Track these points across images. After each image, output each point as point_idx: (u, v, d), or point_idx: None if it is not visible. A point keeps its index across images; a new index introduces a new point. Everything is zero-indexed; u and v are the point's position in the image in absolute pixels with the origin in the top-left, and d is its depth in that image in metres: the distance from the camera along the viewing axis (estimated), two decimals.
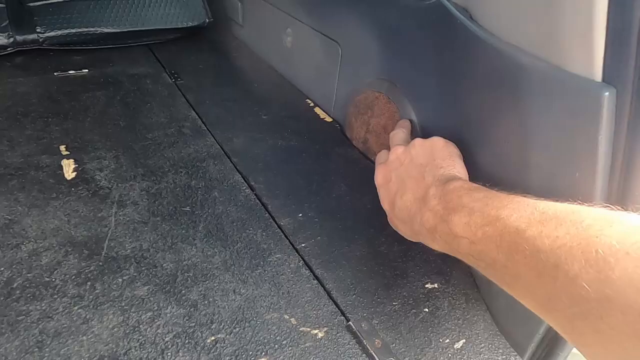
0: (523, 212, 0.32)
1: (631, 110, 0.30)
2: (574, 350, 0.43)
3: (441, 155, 0.46)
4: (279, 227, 0.57)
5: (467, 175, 0.45)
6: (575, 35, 0.32)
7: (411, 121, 0.62)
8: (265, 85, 0.95)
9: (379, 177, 0.52)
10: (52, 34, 0.94)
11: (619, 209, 0.29)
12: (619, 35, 0.29)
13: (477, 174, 0.47)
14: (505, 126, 0.42)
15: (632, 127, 0.31)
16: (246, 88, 0.92)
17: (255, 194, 0.63)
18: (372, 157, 0.73)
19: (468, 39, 0.45)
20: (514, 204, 0.33)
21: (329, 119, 0.83)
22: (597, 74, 0.31)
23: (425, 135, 0.61)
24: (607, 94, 0.31)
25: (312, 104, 0.88)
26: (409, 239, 0.48)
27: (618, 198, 0.34)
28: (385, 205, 0.50)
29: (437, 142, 0.48)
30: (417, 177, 0.45)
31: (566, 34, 0.33)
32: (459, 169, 0.45)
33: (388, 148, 0.69)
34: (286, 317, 0.46)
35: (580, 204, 0.31)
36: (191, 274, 0.49)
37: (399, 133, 0.58)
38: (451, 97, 0.54)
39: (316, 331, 0.45)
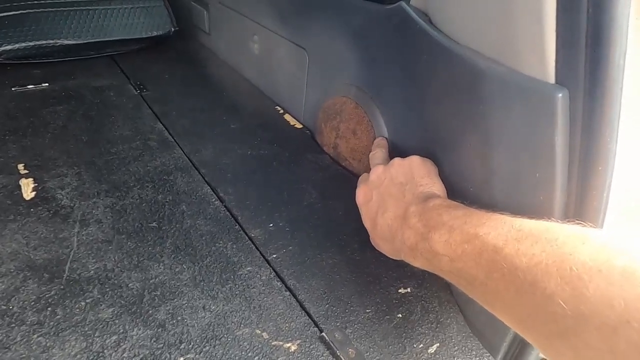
0: (500, 229, 0.32)
1: (584, 109, 0.31)
2: None
3: (420, 174, 0.47)
4: (250, 238, 0.56)
5: (445, 192, 0.46)
6: (528, 38, 0.33)
7: (375, 126, 0.62)
8: (233, 93, 0.94)
9: (360, 196, 0.52)
10: (8, 47, 0.91)
11: (590, 226, 0.30)
12: (568, 38, 0.30)
13: (443, 177, 0.48)
14: (467, 130, 0.42)
15: (585, 125, 0.31)
16: (214, 97, 0.91)
17: (225, 206, 0.61)
18: (342, 162, 0.73)
19: (427, 44, 0.45)
20: (491, 221, 0.34)
21: (299, 126, 0.83)
22: (550, 76, 0.32)
23: (393, 139, 0.61)
24: (560, 95, 0.31)
25: (281, 111, 0.87)
26: (390, 256, 0.48)
27: (577, 196, 0.34)
28: (367, 223, 0.51)
29: (415, 160, 0.49)
30: (397, 196, 0.46)
31: (520, 37, 0.33)
32: (437, 186, 0.46)
33: (358, 152, 0.70)
34: (258, 332, 0.45)
35: (554, 220, 0.32)
36: (158, 293, 0.48)
37: (378, 152, 0.58)
38: (415, 101, 0.54)
39: (289, 345, 0.44)
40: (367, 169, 0.66)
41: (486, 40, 0.37)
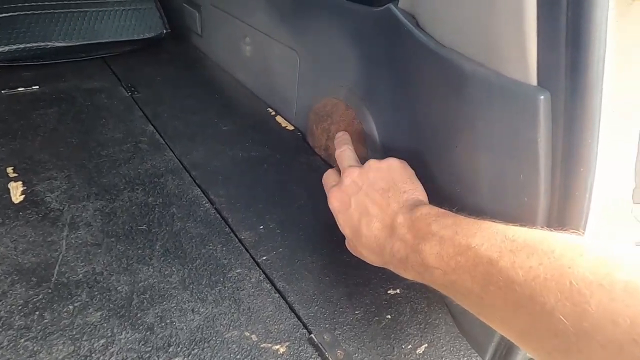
0: (493, 240, 0.31)
1: (565, 111, 0.31)
2: None
3: (401, 178, 0.45)
4: (240, 241, 0.56)
5: (426, 195, 0.45)
6: (511, 42, 0.33)
7: (366, 128, 0.62)
8: (225, 95, 0.94)
9: (334, 203, 0.49)
10: None
11: (573, 231, 0.30)
12: (548, 42, 0.30)
13: (432, 178, 0.48)
14: (454, 132, 0.43)
15: (567, 127, 0.32)
16: (206, 99, 0.91)
17: (215, 208, 0.61)
18: (333, 163, 0.73)
19: (414, 46, 0.46)
20: (482, 231, 0.33)
21: (290, 128, 0.83)
22: (533, 79, 0.32)
23: (384, 140, 0.62)
24: (542, 97, 0.31)
25: (273, 113, 0.87)
26: (377, 265, 0.46)
27: (561, 196, 0.35)
28: (345, 231, 0.48)
29: (394, 163, 0.47)
30: (381, 204, 0.44)
31: (503, 41, 0.34)
32: (420, 190, 0.45)
33: None
34: (247, 334, 0.45)
35: (545, 228, 0.31)
36: (147, 296, 0.48)
37: (346, 151, 0.55)
38: (404, 103, 0.54)
39: (277, 347, 0.44)
40: None
41: (471, 43, 0.37)
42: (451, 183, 0.46)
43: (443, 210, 0.39)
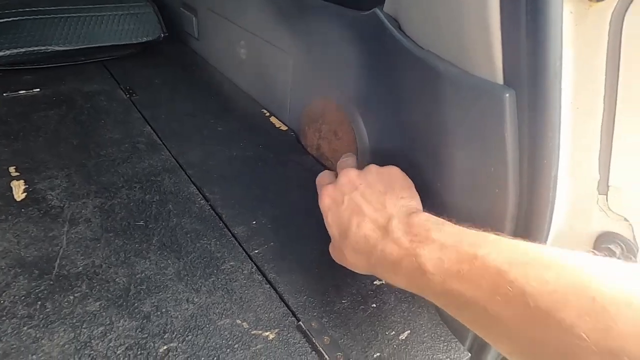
0: (503, 251, 0.30)
1: (529, 108, 0.34)
2: None
3: (400, 185, 0.44)
4: (233, 235, 0.59)
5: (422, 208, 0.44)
6: (479, 43, 0.35)
7: (356, 128, 0.65)
8: (221, 97, 0.96)
9: (325, 200, 0.47)
10: (0, 54, 0.93)
11: (596, 253, 0.30)
12: (511, 43, 0.33)
13: (415, 177, 0.50)
14: (432, 130, 0.45)
15: (531, 122, 0.34)
16: (203, 101, 0.93)
17: (210, 205, 0.64)
18: (325, 162, 0.76)
19: (396, 49, 0.48)
20: (489, 242, 0.32)
21: (284, 128, 0.86)
22: (499, 78, 0.35)
23: (371, 140, 0.64)
24: (507, 95, 0.34)
25: (267, 114, 0.90)
26: (358, 271, 0.45)
27: (528, 187, 0.37)
28: (332, 230, 0.46)
29: (395, 170, 0.47)
30: (376, 205, 0.42)
31: (472, 42, 0.36)
32: (417, 201, 0.44)
33: (339, 152, 0.72)
34: (238, 321, 0.47)
35: (553, 247, 0.31)
36: (144, 287, 0.50)
37: (349, 160, 0.56)
38: (389, 103, 0.57)
39: (267, 333, 0.46)
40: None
41: (444, 45, 0.40)
42: (433, 180, 0.48)
43: (442, 219, 0.38)
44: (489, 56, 0.34)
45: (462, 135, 0.40)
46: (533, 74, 0.32)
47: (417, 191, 0.47)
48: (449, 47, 0.39)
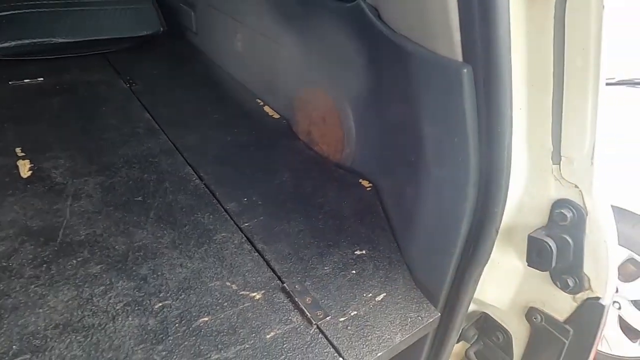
0: None
1: (484, 82, 0.38)
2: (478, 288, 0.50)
3: None
4: (225, 210, 0.63)
5: None
6: (441, 24, 0.40)
7: (342, 112, 0.69)
8: (218, 87, 1.00)
9: None
10: (6, 44, 0.97)
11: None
12: (469, 23, 0.37)
13: (394, 150, 0.55)
14: (406, 107, 0.49)
15: (487, 95, 0.38)
16: (199, 91, 0.98)
17: (204, 184, 0.68)
18: (314, 146, 0.80)
19: (376, 36, 0.52)
20: None
21: (277, 116, 0.90)
22: (459, 55, 0.39)
23: (357, 123, 0.68)
24: (465, 70, 0.38)
25: (261, 103, 0.94)
26: None
27: (487, 154, 0.41)
28: None
29: None
30: None
31: (434, 23, 0.40)
32: None
33: (327, 137, 0.76)
34: (228, 284, 0.51)
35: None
36: (142, 253, 0.54)
37: None
38: (373, 87, 0.61)
39: (254, 294, 0.50)
40: (337, 153, 0.73)
41: (413, 27, 0.44)
42: (410, 153, 0.53)
43: None
44: (449, 36, 0.39)
45: (430, 109, 0.44)
46: (484, 50, 0.36)
47: (397, 164, 0.51)
48: (416, 30, 0.44)
